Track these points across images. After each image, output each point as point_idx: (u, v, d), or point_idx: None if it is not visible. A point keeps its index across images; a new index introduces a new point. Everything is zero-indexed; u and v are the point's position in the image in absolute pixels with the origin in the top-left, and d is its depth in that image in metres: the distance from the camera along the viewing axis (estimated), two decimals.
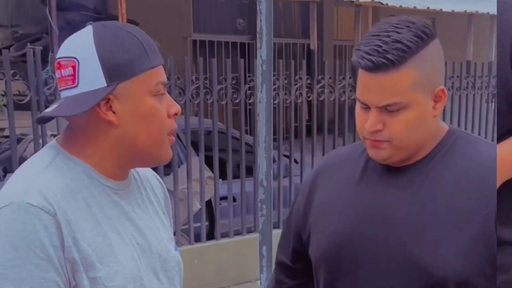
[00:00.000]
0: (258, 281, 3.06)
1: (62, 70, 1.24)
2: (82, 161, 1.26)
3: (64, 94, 1.24)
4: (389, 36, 1.32)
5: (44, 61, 4.34)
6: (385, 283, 1.39)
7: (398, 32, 1.32)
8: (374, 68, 1.32)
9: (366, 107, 1.38)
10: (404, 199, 1.39)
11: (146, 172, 1.45)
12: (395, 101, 1.34)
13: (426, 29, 1.34)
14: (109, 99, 1.23)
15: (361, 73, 1.37)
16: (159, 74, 1.27)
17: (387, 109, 1.35)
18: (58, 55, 1.26)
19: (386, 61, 1.31)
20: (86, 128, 1.26)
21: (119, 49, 1.22)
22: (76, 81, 1.22)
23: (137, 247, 1.30)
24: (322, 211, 1.52)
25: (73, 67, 1.22)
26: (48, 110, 1.27)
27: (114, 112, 1.24)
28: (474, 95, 6.83)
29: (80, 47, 1.23)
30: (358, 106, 1.42)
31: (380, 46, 1.31)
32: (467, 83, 6.72)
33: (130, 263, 1.26)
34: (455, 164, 1.39)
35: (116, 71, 1.22)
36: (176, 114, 1.30)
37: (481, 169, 1.37)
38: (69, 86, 1.23)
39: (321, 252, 1.50)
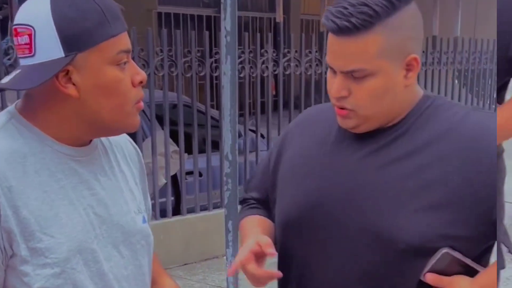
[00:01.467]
0: (225, 257, 3.04)
1: (19, 38, 1.18)
2: (36, 128, 1.21)
3: (22, 62, 1.19)
4: None
5: (4, 31, 4.22)
6: (346, 249, 1.37)
7: None
8: (339, 31, 1.27)
9: (334, 71, 1.33)
10: (369, 165, 1.36)
11: (119, 139, 1.39)
12: (359, 67, 1.29)
13: None
14: (68, 70, 1.17)
15: (329, 35, 1.32)
16: (121, 42, 1.20)
17: (353, 75, 1.30)
18: (15, 21, 1.20)
19: (350, 25, 1.26)
20: (44, 97, 1.21)
21: (77, 17, 1.15)
22: (33, 51, 1.17)
23: (93, 218, 1.25)
24: (290, 171, 1.49)
25: (29, 36, 1.16)
26: (4, 80, 1.21)
27: (74, 84, 1.18)
28: (439, 70, 6.87)
29: (36, 14, 1.16)
30: (328, 69, 1.37)
31: (346, 8, 1.26)
32: (433, 58, 6.75)
33: (80, 234, 1.21)
34: (426, 129, 1.36)
35: (74, 40, 1.15)
36: (141, 82, 1.24)
37: (453, 137, 1.33)
38: (26, 55, 1.18)
39: (287, 216, 1.47)
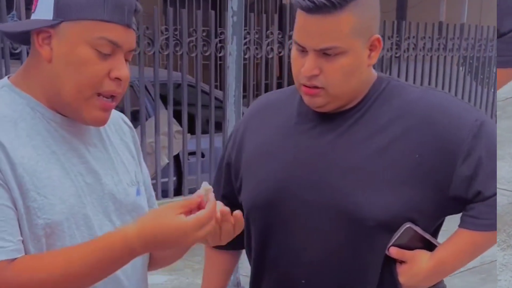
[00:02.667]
0: None
1: None
2: (27, 94, 1.25)
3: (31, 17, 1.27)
4: None
5: (9, 6, 4.20)
6: (315, 228, 1.41)
7: None
8: (315, 9, 1.29)
9: (303, 50, 1.36)
10: (335, 146, 1.40)
11: (111, 114, 1.38)
12: (334, 45, 1.31)
13: None
14: (50, 34, 1.21)
15: (300, 14, 1.34)
16: (109, 31, 1.21)
17: (325, 53, 1.33)
18: None
19: (328, 2, 1.28)
20: (31, 59, 1.26)
21: None
22: (35, 8, 1.24)
23: (83, 185, 1.26)
24: (255, 157, 1.51)
25: None
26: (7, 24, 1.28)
27: (51, 49, 1.22)
28: (445, 57, 6.84)
29: None
30: (294, 49, 1.39)
31: None
32: (439, 44, 6.72)
33: (72, 198, 1.22)
34: (385, 109, 1.41)
35: (65, 8, 1.20)
36: (118, 78, 1.24)
37: (411, 115, 1.39)
38: (32, 11, 1.24)
39: (254, 199, 1.49)
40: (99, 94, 1.23)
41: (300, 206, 1.42)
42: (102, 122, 1.28)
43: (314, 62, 1.34)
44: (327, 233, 1.40)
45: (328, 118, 1.42)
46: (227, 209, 1.24)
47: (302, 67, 1.35)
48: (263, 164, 1.49)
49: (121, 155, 1.38)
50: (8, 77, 1.30)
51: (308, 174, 1.41)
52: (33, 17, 1.24)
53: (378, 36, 1.37)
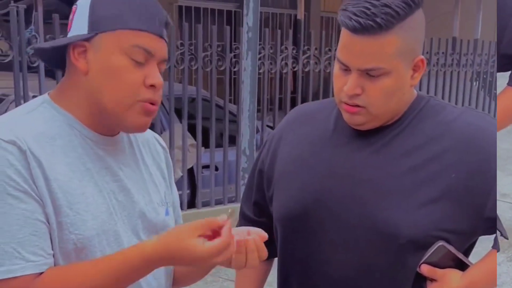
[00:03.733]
0: None
1: (71, 15, 1.28)
2: (66, 112, 1.27)
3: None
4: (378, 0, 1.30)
5: (28, 20, 4.26)
6: (347, 243, 1.40)
7: None
8: (361, 30, 1.30)
9: (346, 69, 1.36)
10: (371, 162, 1.40)
11: (147, 136, 1.44)
12: (378, 66, 1.32)
13: None
14: (86, 48, 1.24)
15: (345, 33, 1.34)
16: (143, 39, 1.24)
17: (368, 74, 1.33)
18: None
19: (374, 24, 1.28)
20: (67, 75, 1.29)
21: (111, 2, 1.24)
22: (70, 27, 1.27)
23: (115, 203, 1.28)
24: (289, 168, 1.51)
25: (73, 13, 1.27)
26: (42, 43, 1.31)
27: (87, 62, 1.25)
28: (458, 72, 6.85)
29: None
30: (337, 67, 1.39)
31: (368, 9, 1.29)
32: (452, 60, 6.73)
33: (104, 215, 1.25)
34: (422, 128, 1.41)
35: (98, 21, 1.23)
36: (153, 86, 1.26)
37: (449, 135, 1.38)
38: (68, 30, 1.28)
39: (286, 210, 1.49)
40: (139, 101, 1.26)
41: (331, 220, 1.41)
42: (144, 127, 1.30)
43: (356, 81, 1.34)
44: (357, 248, 1.39)
45: (364, 134, 1.43)
46: (242, 238, 1.26)
47: (344, 85, 1.35)
48: (297, 176, 1.48)
49: (152, 175, 1.40)
50: (48, 93, 1.32)
51: (341, 188, 1.41)
52: (69, 34, 1.27)
53: (422, 57, 1.38)
